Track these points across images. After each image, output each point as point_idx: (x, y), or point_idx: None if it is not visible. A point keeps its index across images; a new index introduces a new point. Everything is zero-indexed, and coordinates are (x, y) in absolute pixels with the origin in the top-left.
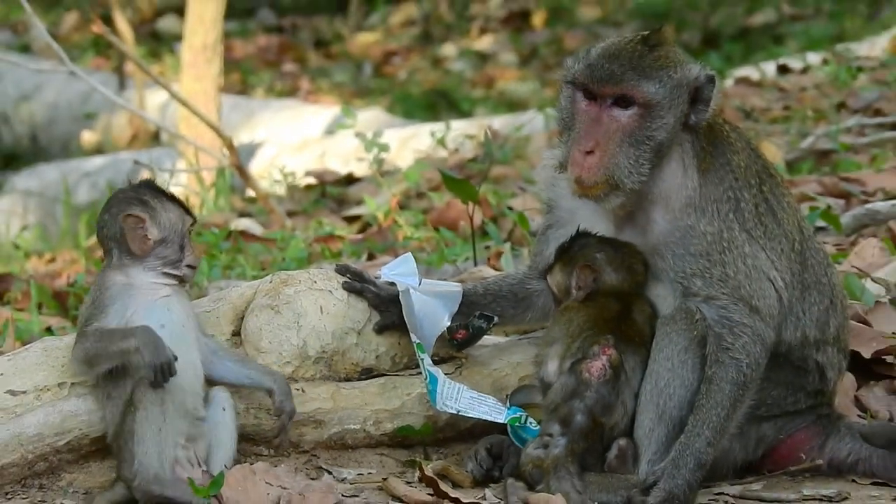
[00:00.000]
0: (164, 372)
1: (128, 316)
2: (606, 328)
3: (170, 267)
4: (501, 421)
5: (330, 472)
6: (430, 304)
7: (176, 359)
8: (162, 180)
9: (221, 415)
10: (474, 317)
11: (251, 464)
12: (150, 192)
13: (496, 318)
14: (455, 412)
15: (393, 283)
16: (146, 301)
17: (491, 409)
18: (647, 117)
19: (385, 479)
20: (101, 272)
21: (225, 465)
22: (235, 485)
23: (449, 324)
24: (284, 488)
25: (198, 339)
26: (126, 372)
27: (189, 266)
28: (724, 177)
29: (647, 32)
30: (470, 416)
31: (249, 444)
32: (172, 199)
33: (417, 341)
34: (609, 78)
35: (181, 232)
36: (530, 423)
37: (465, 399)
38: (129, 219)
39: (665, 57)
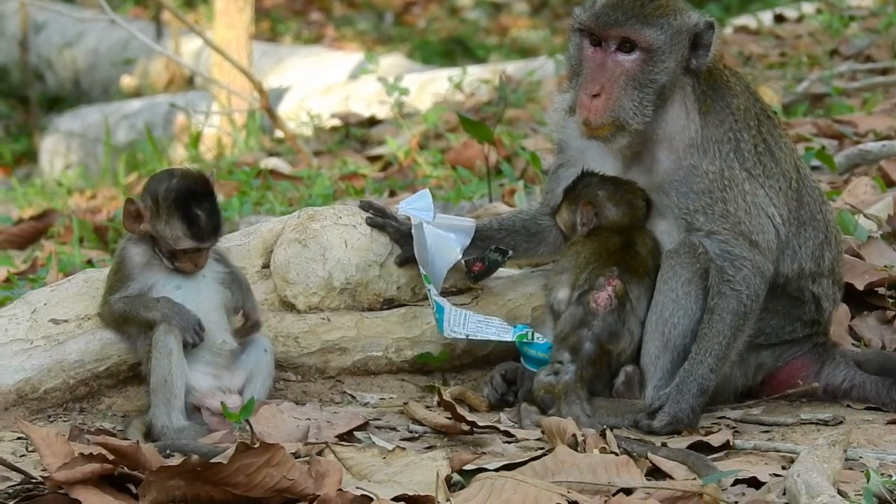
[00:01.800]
0: (196, 333)
1: (147, 284)
2: (611, 260)
3: (164, 258)
4: (509, 339)
5: (353, 397)
6: (443, 237)
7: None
8: (197, 122)
9: (263, 355)
10: (490, 250)
11: (277, 404)
12: (177, 197)
13: (510, 252)
14: (464, 337)
15: (409, 218)
16: (156, 272)
17: (498, 330)
18: (649, 61)
19: (406, 404)
20: (123, 242)
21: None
22: (265, 421)
23: (461, 256)
24: (312, 419)
25: (217, 289)
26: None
27: (178, 268)
28: (724, 118)
29: None
30: (478, 338)
31: (278, 369)
32: (189, 217)
33: (425, 273)
34: (613, 23)
35: (168, 245)
36: (537, 338)
37: (471, 323)
38: (129, 204)
39: (665, 5)
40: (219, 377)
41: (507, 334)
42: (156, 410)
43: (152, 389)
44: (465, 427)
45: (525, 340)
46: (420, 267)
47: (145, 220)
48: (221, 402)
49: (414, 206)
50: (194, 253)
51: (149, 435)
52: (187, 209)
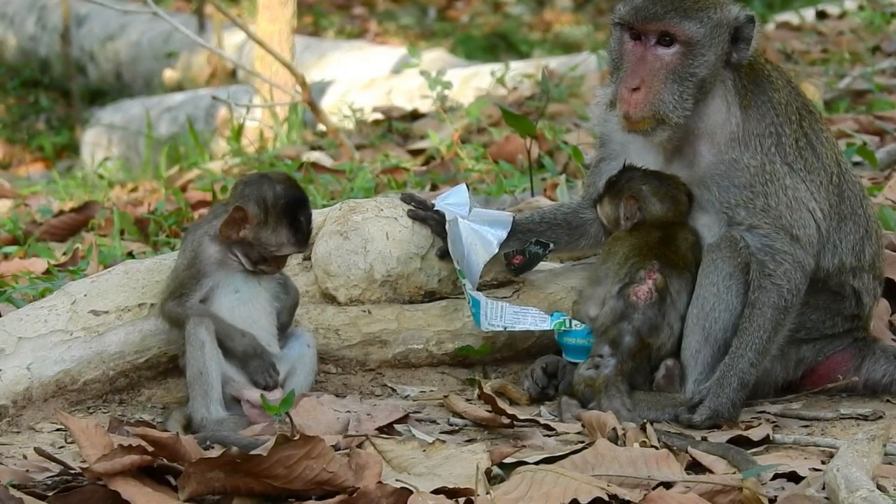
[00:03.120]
0: (271, 375)
1: (210, 286)
2: (651, 254)
3: (245, 260)
4: (547, 328)
5: (394, 390)
6: (479, 231)
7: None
8: (239, 116)
9: (306, 350)
10: (530, 243)
11: (318, 396)
12: (286, 204)
13: (551, 245)
14: (502, 329)
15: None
16: (228, 271)
17: (536, 319)
18: (688, 55)
19: (446, 397)
20: (199, 230)
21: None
22: (305, 414)
23: (497, 250)
24: (352, 412)
25: (270, 297)
26: None
27: (261, 270)
28: (765, 113)
29: None
30: (516, 329)
31: (318, 362)
32: (296, 225)
33: (459, 268)
34: (652, 17)
35: (268, 251)
36: (575, 325)
37: (508, 315)
38: (238, 211)
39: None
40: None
41: (545, 323)
42: (194, 403)
43: (189, 382)
44: (506, 420)
45: (563, 328)
46: (455, 262)
47: (250, 227)
48: (261, 395)
49: (449, 202)
50: (284, 257)
51: (189, 427)
52: (294, 216)
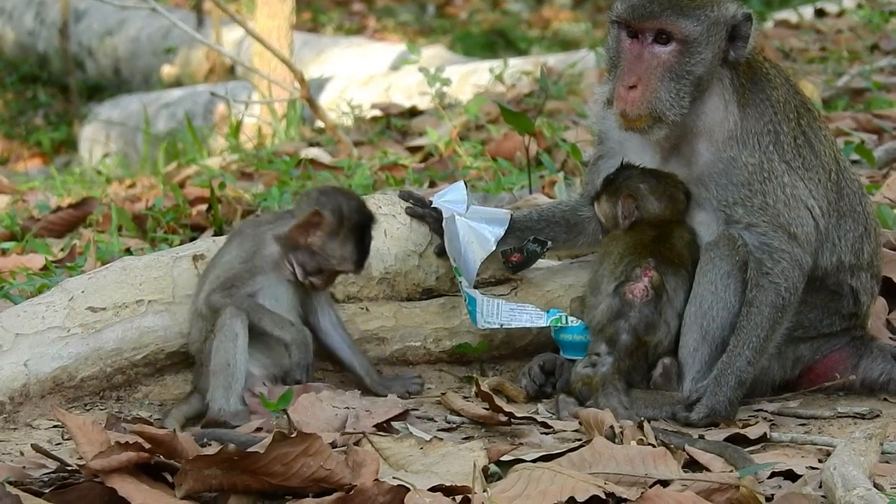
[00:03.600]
0: (308, 372)
1: (261, 285)
2: (647, 252)
3: (300, 270)
4: (543, 324)
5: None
6: (476, 229)
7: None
8: (237, 112)
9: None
10: (528, 241)
11: (317, 391)
12: (360, 221)
13: (549, 243)
14: (498, 326)
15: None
16: (279, 276)
17: (532, 316)
18: (685, 53)
19: (444, 394)
20: (261, 227)
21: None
22: (304, 410)
23: (494, 247)
24: (351, 408)
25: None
26: None
27: (311, 283)
28: (764, 111)
29: None
30: (513, 326)
31: (317, 358)
32: (362, 244)
33: (455, 266)
34: (649, 15)
35: (329, 264)
36: (571, 321)
37: (504, 312)
38: (316, 215)
39: None
40: (267, 368)
41: (541, 320)
42: (215, 393)
43: (213, 371)
44: (503, 418)
45: (559, 325)
46: (451, 260)
47: (321, 234)
48: (259, 392)
49: (447, 199)
50: (335, 274)
51: (193, 422)
52: (363, 235)
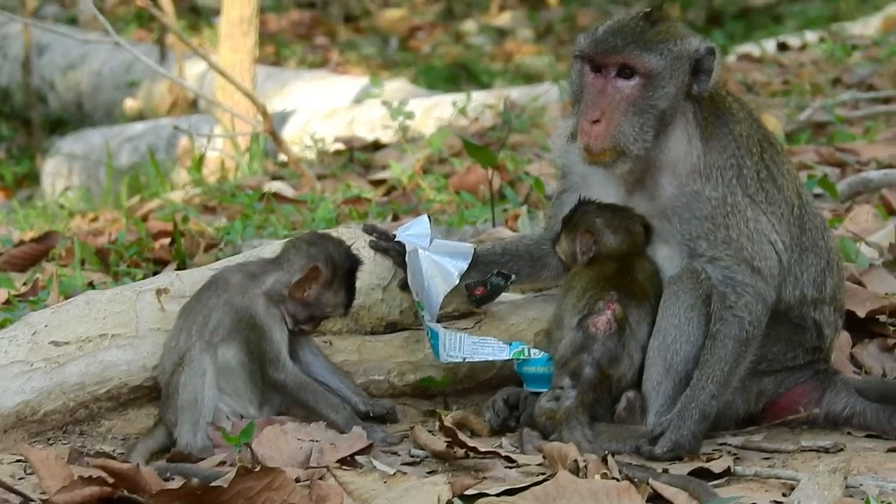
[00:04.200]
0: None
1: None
2: (609, 285)
3: (290, 320)
4: (506, 357)
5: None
6: (439, 262)
7: None
8: (200, 145)
9: None
10: (492, 274)
11: (282, 424)
12: (351, 267)
13: (513, 277)
14: (461, 360)
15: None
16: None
17: (494, 349)
18: (649, 87)
19: (412, 428)
20: (251, 285)
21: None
22: (268, 443)
23: (458, 281)
24: (316, 441)
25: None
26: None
27: (301, 330)
28: (727, 145)
29: (648, 9)
30: (475, 360)
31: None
32: (353, 289)
33: (418, 300)
34: (612, 49)
35: (322, 312)
36: (533, 353)
37: (467, 346)
38: (315, 270)
39: (665, 31)
40: (243, 405)
41: (504, 353)
42: (182, 428)
43: (181, 406)
44: (461, 453)
45: (522, 357)
46: (414, 294)
47: (316, 286)
48: (220, 427)
49: (411, 232)
50: (323, 319)
51: (157, 456)
52: (353, 279)
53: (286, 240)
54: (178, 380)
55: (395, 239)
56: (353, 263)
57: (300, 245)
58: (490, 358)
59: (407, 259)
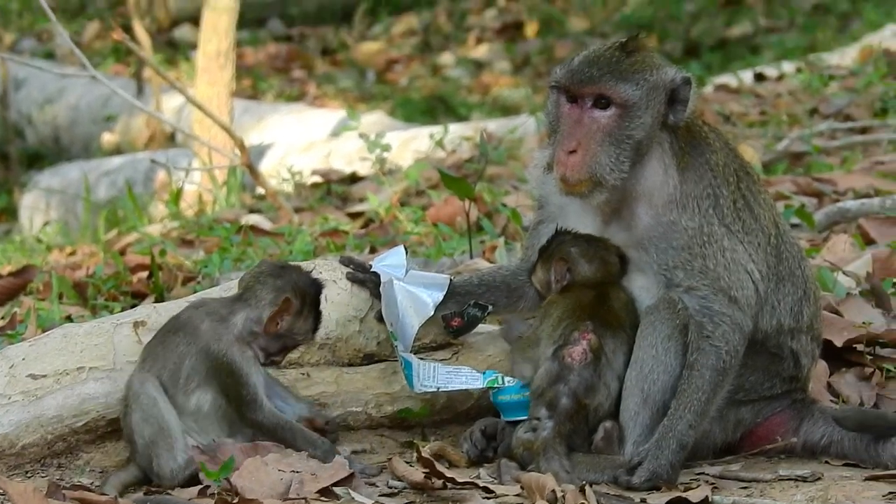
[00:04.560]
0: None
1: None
2: (585, 315)
3: (262, 354)
4: (480, 386)
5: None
6: (414, 293)
7: None
8: (178, 179)
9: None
10: (469, 305)
11: (263, 454)
12: (317, 293)
13: (490, 307)
14: (435, 389)
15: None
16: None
17: (468, 378)
18: (625, 117)
19: (390, 459)
20: (221, 331)
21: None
22: (248, 476)
23: (433, 312)
24: (297, 472)
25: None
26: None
27: (272, 362)
28: (703, 174)
29: (624, 40)
30: (449, 389)
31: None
32: (319, 314)
33: (392, 330)
34: (588, 80)
35: (294, 341)
36: (507, 381)
37: (441, 375)
38: (287, 302)
39: (641, 61)
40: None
41: (478, 381)
42: (159, 460)
43: (150, 443)
44: (439, 484)
45: (496, 386)
46: (388, 324)
47: (288, 317)
48: (201, 463)
49: (386, 263)
50: (295, 348)
51: (133, 489)
52: (319, 304)
53: (245, 275)
54: (132, 420)
55: (371, 270)
56: (318, 288)
57: (264, 279)
58: (463, 387)
59: (381, 290)
